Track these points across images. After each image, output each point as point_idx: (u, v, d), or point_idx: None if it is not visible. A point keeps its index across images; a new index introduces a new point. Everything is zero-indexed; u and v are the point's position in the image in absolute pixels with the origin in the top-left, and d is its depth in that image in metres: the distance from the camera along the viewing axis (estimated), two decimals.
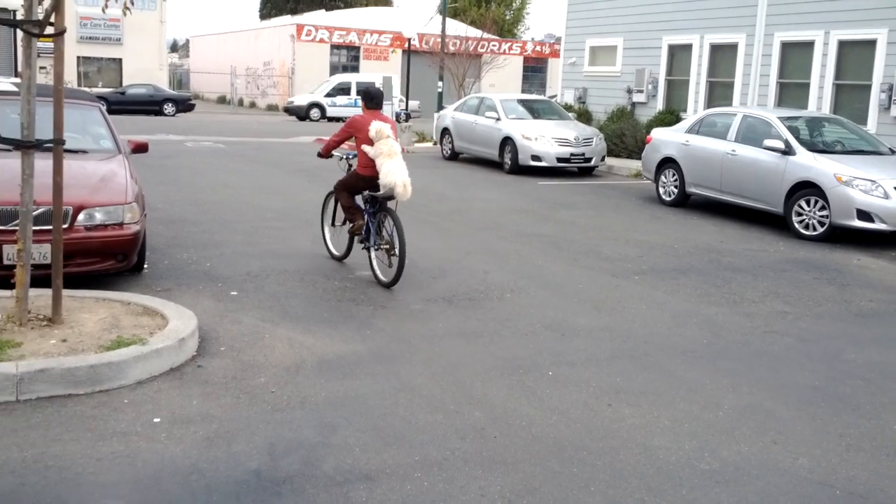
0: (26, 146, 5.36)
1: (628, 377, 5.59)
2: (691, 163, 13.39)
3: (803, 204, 11.32)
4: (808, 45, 17.25)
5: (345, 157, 8.31)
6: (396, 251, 7.49)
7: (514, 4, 64.06)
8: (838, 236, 11.14)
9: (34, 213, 5.54)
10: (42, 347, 5.10)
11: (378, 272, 7.78)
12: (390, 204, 7.74)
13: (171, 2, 50.24)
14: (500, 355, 5.91)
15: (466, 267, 8.62)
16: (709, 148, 13.08)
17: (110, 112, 10.51)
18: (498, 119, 18.11)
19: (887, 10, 15.77)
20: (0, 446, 4.11)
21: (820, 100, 17.02)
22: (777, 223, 11.95)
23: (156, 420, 4.50)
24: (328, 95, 38.28)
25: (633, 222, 12.04)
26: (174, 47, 78.17)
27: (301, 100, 38.72)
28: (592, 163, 17.70)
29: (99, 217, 6.71)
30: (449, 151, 20.02)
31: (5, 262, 6.23)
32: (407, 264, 7.47)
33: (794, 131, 12.12)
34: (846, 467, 4.38)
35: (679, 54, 20.61)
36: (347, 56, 48.63)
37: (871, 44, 16.11)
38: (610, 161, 18.81)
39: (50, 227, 5.64)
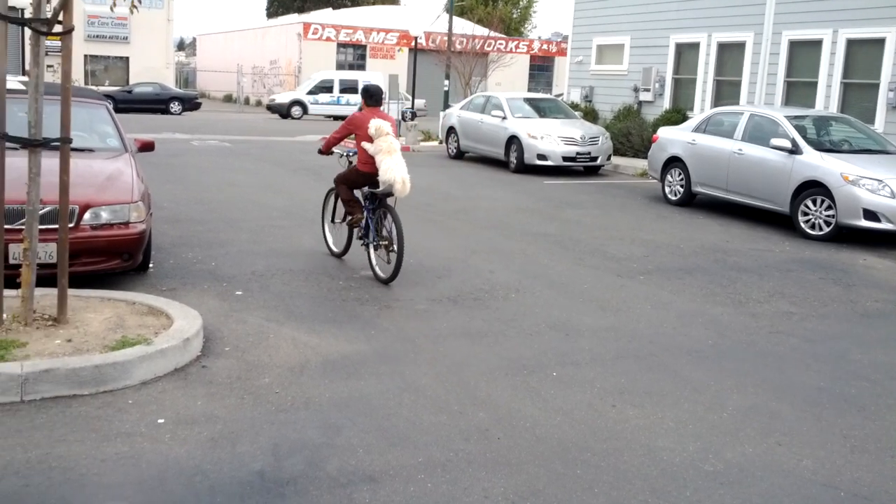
0: (34, 144, 5.36)
1: (633, 377, 5.58)
2: (697, 162, 13.36)
3: (810, 203, 11.29)
4: (816, 44, 17.19)
5: (345, 154, 8.34)
6: (395, 247, 7.52)
7: (521, 3, 64.01)
8: (844, 236, 11.10)
9: (40, 211, 5.55)
10: (47, 347, 5.11)
11: (377, 269, 7.81)
12: (389, 201, 7.77)
13: (178, 0, 50.19)
14: (504, 355, 5.91)
15: (471, 266, 8.62)
16: (715, 147, 13.05)
17: (117, 110, 10.53)
18: (504, 118, 18.08)
19: None
20: (4, 447, 4.12)
21: (828, 99, 16.96)
22: (783, 223, 11.91)
23: (160, 421, 4.51)
24: (310, 93, 37.52)
25: (639, 222, 12.02)
26: (181, 46, 78.21)
27: (283, 97, 38.04)
28: (598, 162, 17.67)
29: (105, 216, 6.71)
30: (454, 150, 20.00)
31: (11, 261, 6.22)
32: (412, 263, 7.48)
33: (802, 130, 12.07)
34: (851, 469, 4.37)
35: (686, 53, 20.55)
36: (354, 54, 48.62)
37: (880, 42, 16.05)
38: (616, 160, 18.78)
39: (56, 226, 5.64)
